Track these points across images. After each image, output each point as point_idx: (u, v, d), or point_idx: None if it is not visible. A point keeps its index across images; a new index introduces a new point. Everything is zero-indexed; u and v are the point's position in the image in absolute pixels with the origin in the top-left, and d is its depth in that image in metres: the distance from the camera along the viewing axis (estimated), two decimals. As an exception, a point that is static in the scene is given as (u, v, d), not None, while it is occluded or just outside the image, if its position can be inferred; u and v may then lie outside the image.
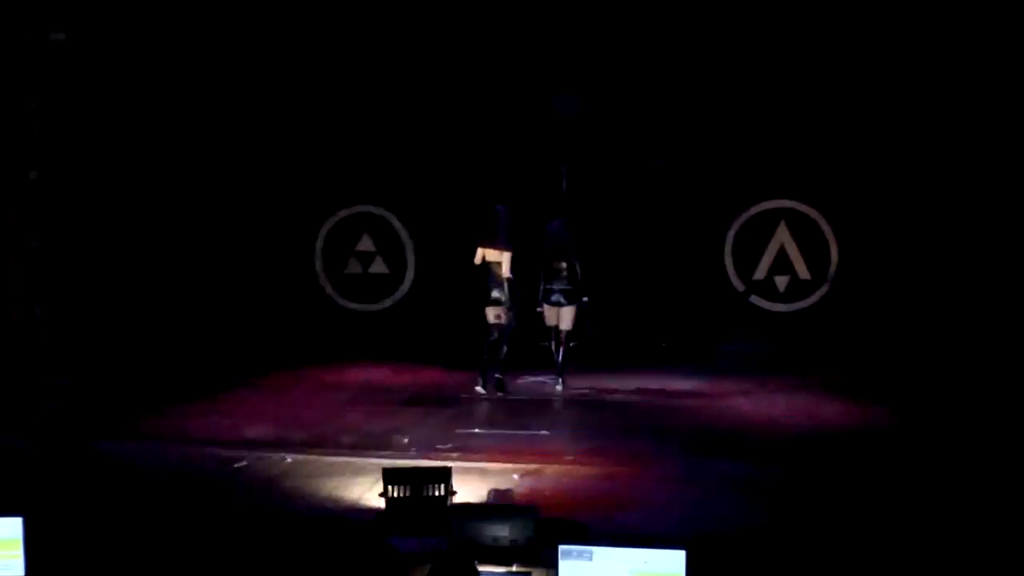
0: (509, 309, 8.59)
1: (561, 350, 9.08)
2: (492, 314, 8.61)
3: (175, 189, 11.83)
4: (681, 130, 11.45)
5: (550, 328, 9.10)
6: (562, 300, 8.83)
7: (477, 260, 8.65)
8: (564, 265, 8.85)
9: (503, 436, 7.41)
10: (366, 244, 12.22)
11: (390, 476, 5.43)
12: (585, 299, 9.04)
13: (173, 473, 6.24)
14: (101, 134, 11.23)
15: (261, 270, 12.15)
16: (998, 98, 10.69)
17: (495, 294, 8.54)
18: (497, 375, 8.86)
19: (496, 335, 8.73)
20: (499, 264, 8.54)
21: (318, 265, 12.26)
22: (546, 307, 8.98)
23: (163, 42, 11.46)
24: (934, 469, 6.28)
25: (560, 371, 9.08)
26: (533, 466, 6.51)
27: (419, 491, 5.37)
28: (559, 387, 9.03)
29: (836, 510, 5.11)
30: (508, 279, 8.56)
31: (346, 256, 12.27)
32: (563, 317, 8.89)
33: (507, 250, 8.50)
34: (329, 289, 12.26)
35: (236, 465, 6.60)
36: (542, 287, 8.97)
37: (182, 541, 4.89)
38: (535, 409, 8.41)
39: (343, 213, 12.23)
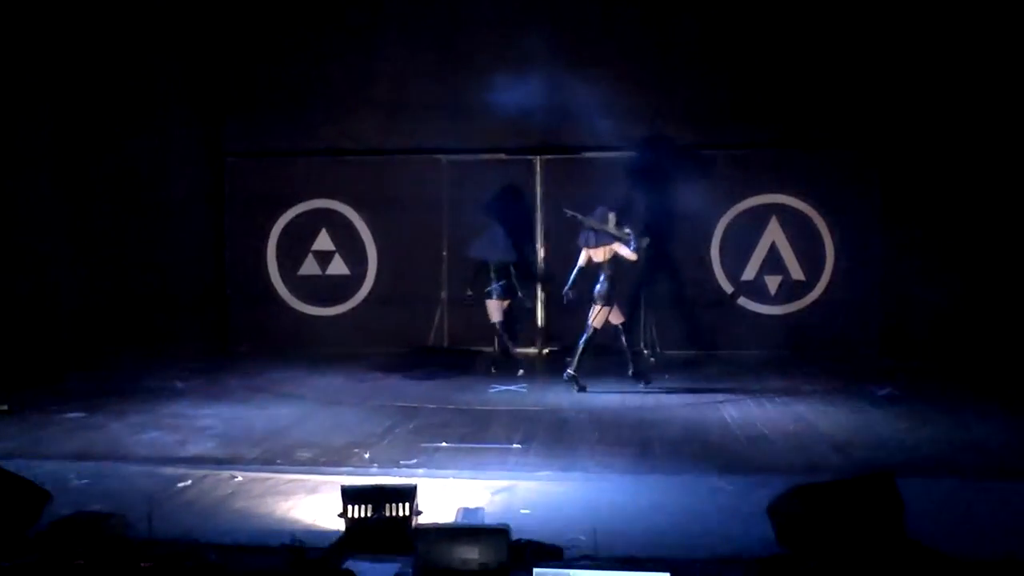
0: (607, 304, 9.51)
1: (506, 340, 10.39)
2: (605, 312, 9.51)
3: (109, 177, 11.71)
4: (662, 116, 11.50)
5: (493, 323, 10.47)
6: (505, 295, 10.33)
7: (582, 262, 9.55)
8: (507, 265, 10.29)
9: (472, 450, 7.39)
10: (324, 242, 12.16)
11: (350, 495, 5.39)
12: (520, 295, 10.42)
13: (108, 495, 6.14)
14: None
15: (208, 270, 12.07)
16: (1000, 88, 10.83)
17: (599, 293, 9.47)
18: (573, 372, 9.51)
19: (593, 332, 9.52)
20: (605, 264, 9.43)
21: (271, 265, 12.19)
22: (490, 303, 10.44)
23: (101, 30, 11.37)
24: (938, 483, 6.32)
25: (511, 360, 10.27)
26: (505, 482, 6.49)
27: (381, 511, 5.33)
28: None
29: (833, 528, 5.11)
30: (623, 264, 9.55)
31: (302, 255, 12.21)
32: (491, 310, 10.35)
33: (610, 244, 9.45)
34: (283, 291, 12.19)
35: (179, 485, 6.52)
36: (492, 285, 10.43)
37: (121, 570, 4.81)
38: (507, 421, 8.40)
39: (299, 208, 12.18)
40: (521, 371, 10.38)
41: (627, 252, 9.38)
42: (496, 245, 10.45)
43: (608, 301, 9.43)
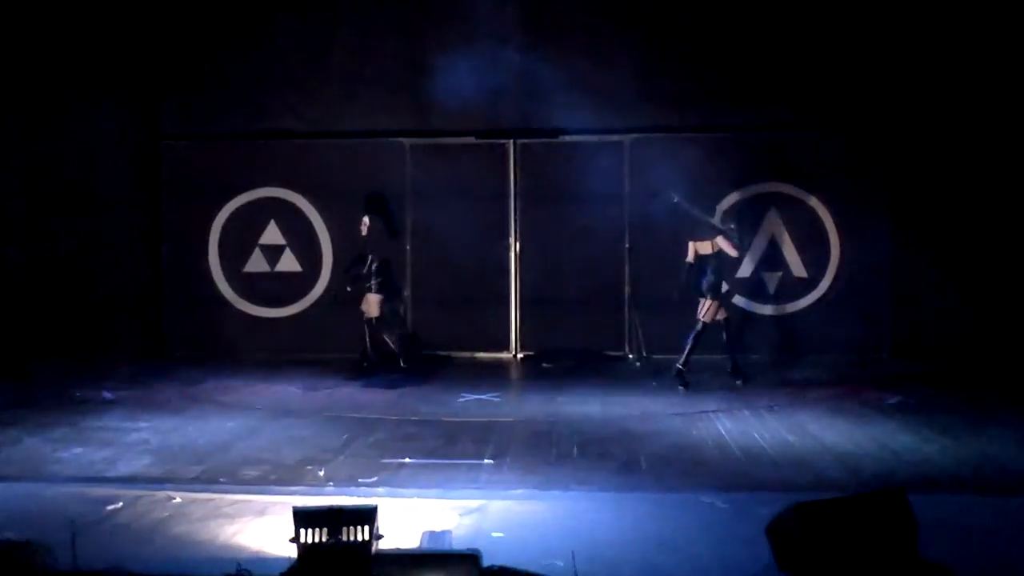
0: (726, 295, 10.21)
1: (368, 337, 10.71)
2: (714, 307, 10.03)
3: (29, 163, 11.56)
4: (647, 96, 11.50)
5: (370, 319, 10.73)
6: (373, 288, 10.69)
7: (690, 257, 10.05)
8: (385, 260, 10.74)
9: (439, 466, 7.37)
10: (273, 235, 12.08)
11: (302, 517, 5.35)
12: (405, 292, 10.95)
13: (25, 520, 6.06)
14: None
15: (143, 267, 11.95)
16: (1010, 72, 10.94)
17: (708, 287, 9.96)
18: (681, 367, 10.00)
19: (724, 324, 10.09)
20: (712, 257, 9.93)
21: (213, 261, 12.09)
22: (371, 296, 10.71)
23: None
24: (953, 500, 6.37)
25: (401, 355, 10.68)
26: (475, 502, 6.48)
27: (338, 535, 5.29)
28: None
29: (838, 550, 5.13)
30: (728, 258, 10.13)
31: (248, 250, 12.13)
32: (371, 305, 10.71)
33: (714, 237, 9.96)
34: (227, 290, 12.10)
35: (109, 508, 6.45)
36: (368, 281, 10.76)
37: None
38: (477, 434, 8.38)
39: (244, 198, 12.10)
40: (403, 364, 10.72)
41: (728, 247, 9.96)
42: (372, 238, 10.72)
43: (716, 295, 10.00)
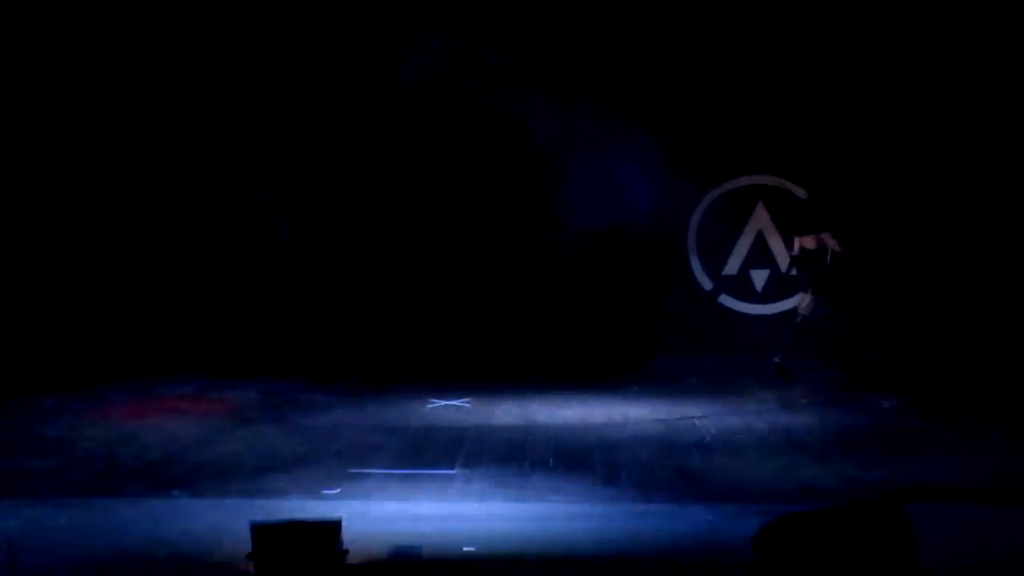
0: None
1: None
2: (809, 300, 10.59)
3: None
4: (627, 87, 11.50)
5: None
6: None
7: (795, 250, 10.62)
8: None
9: (407, 477, 7.37)
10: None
11: (261, 532, 5.34)
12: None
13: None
14: None
15: (79, 260, 11.81)
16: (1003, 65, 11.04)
17: (808, 281, 10.47)
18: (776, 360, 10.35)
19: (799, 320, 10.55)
20: (816, 252, 10.42)
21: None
22: None
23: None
24: (953, 510, 6.43)
25: None
26: (445, 515, 6.48)
27: (299, 551, 5.29)
28: None
29: (830, 563, 5.17)
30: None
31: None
32: None
33: (819, 233, 10.53)
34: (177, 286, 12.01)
35: (51, 522, 6.40)
36: None
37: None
38: (447, 442, 8.38)
39: (203, 183, 12.01)
40: None
41: (834, 243, 10.47)
42: None
43: (817, 288, 10.44)
